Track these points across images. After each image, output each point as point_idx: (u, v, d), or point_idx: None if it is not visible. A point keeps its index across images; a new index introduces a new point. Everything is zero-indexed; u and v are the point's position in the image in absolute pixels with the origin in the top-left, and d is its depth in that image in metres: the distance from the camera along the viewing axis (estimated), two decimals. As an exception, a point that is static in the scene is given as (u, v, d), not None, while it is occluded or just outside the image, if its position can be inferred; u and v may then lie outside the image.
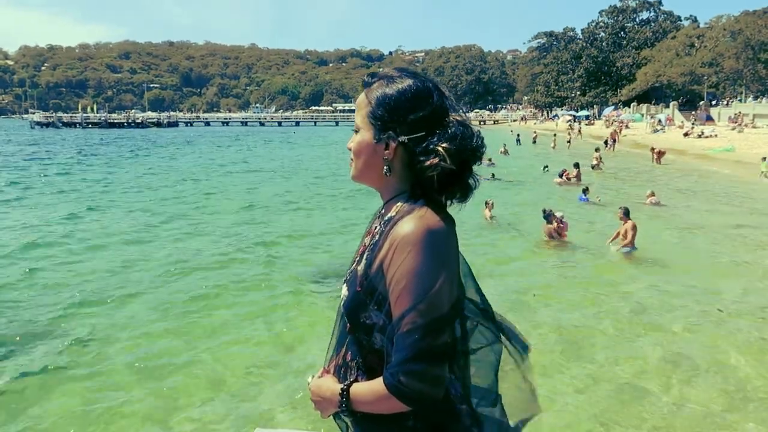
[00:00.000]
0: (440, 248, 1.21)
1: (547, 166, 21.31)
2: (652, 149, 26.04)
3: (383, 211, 1.37)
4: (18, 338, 5.79)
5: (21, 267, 8.50)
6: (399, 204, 1.30)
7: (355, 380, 1.32)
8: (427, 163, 1.25)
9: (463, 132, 1.28)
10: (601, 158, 22.63)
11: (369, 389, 1.26)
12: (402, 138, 1.28)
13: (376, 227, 1.36)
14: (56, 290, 7.36)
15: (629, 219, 9.13)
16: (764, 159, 19.54)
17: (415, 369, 1.17)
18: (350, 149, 1.39)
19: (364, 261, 1.31)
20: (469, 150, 1.28)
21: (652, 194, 14.16)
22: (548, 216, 9.72)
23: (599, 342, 5.59)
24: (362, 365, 1.33)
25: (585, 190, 14.39)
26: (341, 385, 1.31)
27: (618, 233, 9.26)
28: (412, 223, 1.21)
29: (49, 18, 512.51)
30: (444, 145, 1.25)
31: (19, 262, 8.82)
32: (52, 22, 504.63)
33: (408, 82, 1.31)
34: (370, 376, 1.30)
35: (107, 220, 12.51)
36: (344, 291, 1.36)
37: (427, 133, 1.27)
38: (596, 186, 16.60)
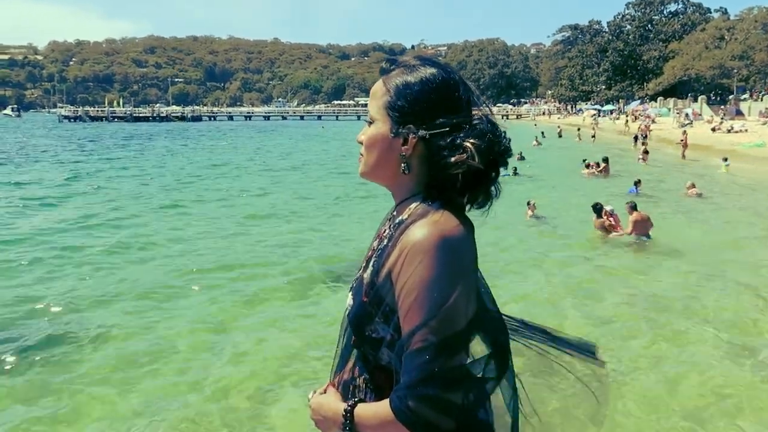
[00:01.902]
0: (456, 257, 1.08)
1: (585, 159, 20.89)
2: (684, 132, 26.20)
3: (394, 212, 1.25)
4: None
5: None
6: (413, 206, 1.17)
7: (361, 400, 1.18)
8: (453, 159, 1.12)
9: (492, 130, 1.15)
10: (647, 152, 22.35)
11: (375, 412, 1.12)
12: (423, 133, 1.15)
13: (385, 231, 1.23)
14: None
15: (634, 211, 9.22)
16: (725, 159, 19.42)
17: (425, 393, 1.03)
18: (360, 142, 1.25)
19: (370, 268, 1.19)
20: (497, 150, 1.15)
21: (693, 186, 14.00)
22: (599, 210, 9.53)
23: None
24: (370, 382, 1.21)
25: (637, 183, 14.15)
26: (345, 405, 1.17)
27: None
28: (425, 228, 1.08)
29: (76, 13, 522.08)
30: (472, 141, 1.12)
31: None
32: (79, 17, 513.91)
33: (432, 71, 1.18)
34: (379, 395, 1.18)
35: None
36: (349, 300, 1.25)
37: (451, 128, 1.14)
38: (643, 178, 16.24)
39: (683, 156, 24.09)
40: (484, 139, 1.13)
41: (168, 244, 9.55)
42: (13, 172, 21.99)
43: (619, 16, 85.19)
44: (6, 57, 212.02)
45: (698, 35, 67.22)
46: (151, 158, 29.06)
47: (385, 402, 1.09)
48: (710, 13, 78.27)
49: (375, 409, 1.13)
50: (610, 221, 9.51)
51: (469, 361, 1.17)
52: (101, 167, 23.93)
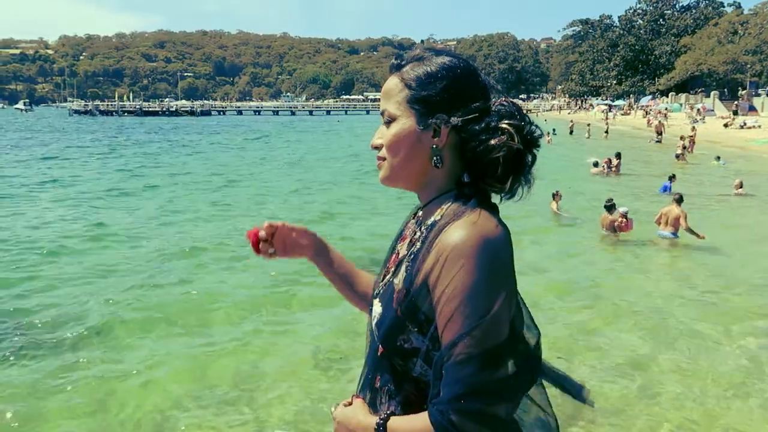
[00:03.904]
0: (498, 260, 1.01)
1: (597, 162, 20.49)
2: (693, 128, 26.11)
3: (421, 213, 1.18)
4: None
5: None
6: (444, 206, 1.10)
7: (392, 413, 1.10)
8: (493, 141, 1.05)
9: (520, 112, 1.11)
10: (685, 147, 21.77)
11: (411, 426, 1.04)
12: (456, 120, 1.08)
13: (415, 233, 1.16)
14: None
15: (674, 203, 8.96)
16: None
17: (469, 408, 0.97)
18: (377, 147, 1.16)
19: (403, 273, 1.10)
20: (529, 131, 1.10)
21: (741, 185, 13.37)
22: (610, 207, 9.22)
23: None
24: (395, 394, 1.12)
25: (671, 178, 13.35)
26: (377, 419, 1.08)
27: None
28: (464, 230, 1.01)
29: (86, 8, 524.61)
30: (507, 121, 1.07)
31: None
32: (89, 11, 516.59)
33: (448, 59, 1.13)
34: (406, 407, 1.10)
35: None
36: (377, 308, 1.16)
37: (480, 113, 1.08)
38: (678, 175, 15.70)
39: (691, 150, 23.86)
40: (516, 119, 1.09)
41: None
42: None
43: (631, 11, 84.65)
44: (17, 51, 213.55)
45: (711, 30, 66.47)
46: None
47: (423, 415, 1.02)
48: (723, 7, 77.49)
49: (411, 424, 1.05)
50: (621, 223, 9.12)
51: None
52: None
